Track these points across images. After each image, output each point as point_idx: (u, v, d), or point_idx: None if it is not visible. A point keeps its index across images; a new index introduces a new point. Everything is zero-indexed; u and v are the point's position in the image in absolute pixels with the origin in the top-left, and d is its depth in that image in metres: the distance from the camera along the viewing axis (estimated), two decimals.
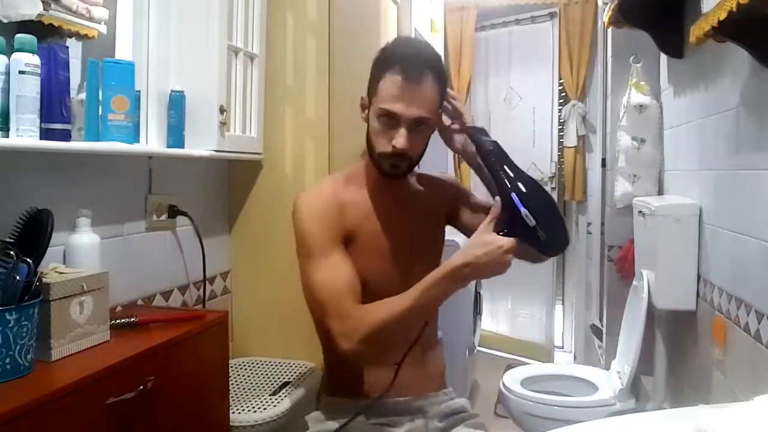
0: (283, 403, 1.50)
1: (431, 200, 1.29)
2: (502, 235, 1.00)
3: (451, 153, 2.21)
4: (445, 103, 1.19)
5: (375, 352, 1.09)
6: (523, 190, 1.03)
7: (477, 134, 1.17)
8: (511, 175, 1.06)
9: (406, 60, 1.11)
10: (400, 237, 1.21)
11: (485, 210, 1.28)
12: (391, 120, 1.11)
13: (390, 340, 1.07)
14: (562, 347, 3.80)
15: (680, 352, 2.08)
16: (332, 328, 1.06)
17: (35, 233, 0.99)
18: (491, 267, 0.98)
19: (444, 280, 1.00)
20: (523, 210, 0.99)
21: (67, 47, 1.14)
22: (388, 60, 1.13)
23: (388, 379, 1.16)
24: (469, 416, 1.28)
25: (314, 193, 1.19)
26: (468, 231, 1.31)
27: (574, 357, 3.63)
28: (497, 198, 1.04)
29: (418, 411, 1.23)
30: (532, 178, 1.08)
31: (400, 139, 1.10)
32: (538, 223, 0.99)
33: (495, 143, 1.14)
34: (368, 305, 1.07)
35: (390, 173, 1.16)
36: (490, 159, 1.11)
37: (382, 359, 1.15)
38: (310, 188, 1.23)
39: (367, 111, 1.18)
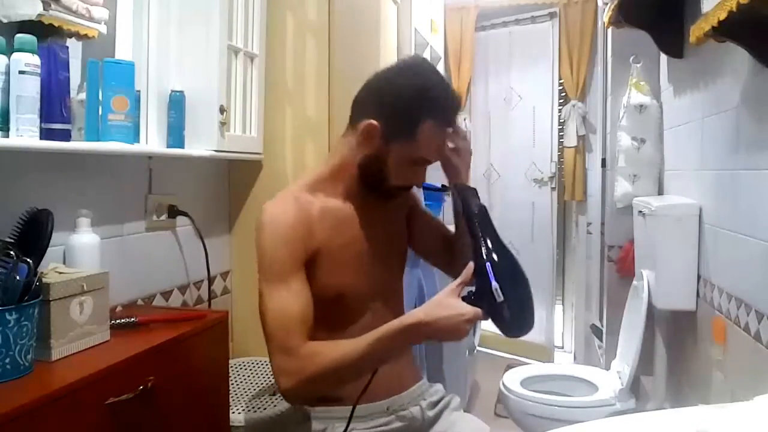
0: (283, 403, 1.50)
1: (397, 206, 1.27)
2: (468, 301, 0.97)
3: None
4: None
5: (316, 393, 1.07)
6: (499, 262, 0.98)
7: (466, 193, 1.12)
8: (491, 244, 1.01)
9: (451, 110, 1.10)
10: (373, 245, 1.18)
11: (434, 225, 1.34)
12: (420, 163, 1.13)
13: (335, 385, 1.04)
14: (562, 347, 3.80)
15: (680, 352, 2.08)
16: (274, 361, 1.01)
17: (35, 233, 0.99)
18: (449, 332, 0.95)
19: (401, 334, 0.96)
20: (495, 284, 0.95)
21: (67, 47, 1.14)
22: (430, 104, 1.07)
23: (373, 382, 1.16)
24: (449, 401, 1.30)
25: (280, 208, 1.09)
26: (413, 242, 1.32)
27: (574, 357, 3.63)
28: (471, 263, 1.00)
29: (409, 405, 1.23)
30: (512, 254, 1.03)
31: (423, 178, 1.15)
32: (506, 301, 0.95)
33: (482, 207, 1.08)
34: (318, 344, 1.01)
35: (391, 198, 1.18)
36: (474, 222, 1.06)
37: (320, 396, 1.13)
38: (274, 203, 1.11)
39: (378, 140, 1.09)
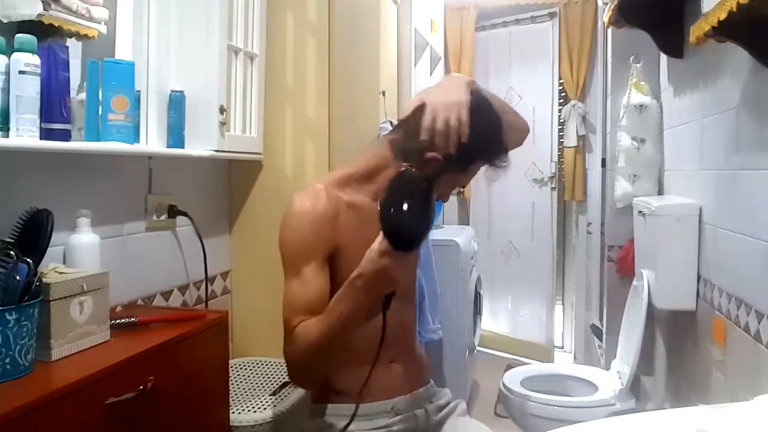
0: (283, 403, 1.50)
1: None
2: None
3: None
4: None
5: (314, 372, 1.08)
6: (397, 185, 0.95)
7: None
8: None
9: (500, 152, 1.16)
10: None
11: None
12: (456, 187, 1.24)
13: (321, 360, 1.04)
14: (562, 347, 3.80)
15: (680, 352, 2.08)
16: (284, 349, 1.06)
17: (35, 233, 0.99)
18: (374, 274, 0.93)
19: (346, 292, 0.97)
20: (381, 199, 0.90)
21: (67, 47, 1.15)
22: (485, 149, 1.14)
23: (379, 381, 1.15)
24: (455, 406, 1.30)
25: (306, 202, 1.11)
26: None
27: (574, 357, 3.63)
28: None
29: (414, 407, 1.23)
30: (409, 179, 0.98)
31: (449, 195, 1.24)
32: (387, 209, 0.90)
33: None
34: (303, 325, 1.03)
35: None
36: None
37: (321, 377, 1.15)
38: (302, 195, 1.14)
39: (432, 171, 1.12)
